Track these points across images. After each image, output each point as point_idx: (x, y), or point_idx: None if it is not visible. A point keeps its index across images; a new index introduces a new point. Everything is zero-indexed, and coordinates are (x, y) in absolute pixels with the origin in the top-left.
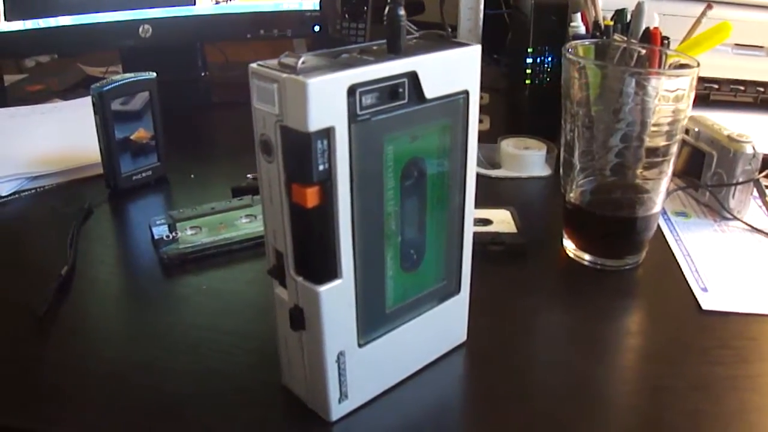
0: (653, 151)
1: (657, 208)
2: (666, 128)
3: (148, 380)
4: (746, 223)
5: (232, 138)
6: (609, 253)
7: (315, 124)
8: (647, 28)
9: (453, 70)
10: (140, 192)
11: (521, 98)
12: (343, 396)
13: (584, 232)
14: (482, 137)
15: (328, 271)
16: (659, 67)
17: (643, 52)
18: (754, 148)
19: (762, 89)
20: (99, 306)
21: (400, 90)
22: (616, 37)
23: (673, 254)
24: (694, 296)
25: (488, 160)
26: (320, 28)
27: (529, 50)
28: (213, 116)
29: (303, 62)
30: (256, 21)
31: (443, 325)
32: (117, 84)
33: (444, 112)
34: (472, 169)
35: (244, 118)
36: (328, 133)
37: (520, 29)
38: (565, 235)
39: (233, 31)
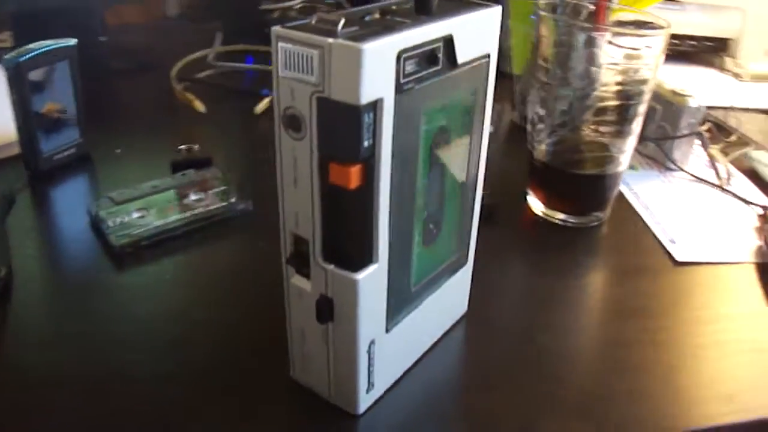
0: (605, 110)
1: (622, 167)
2: (616, 87)
3: (133, 389)
4: (690, 174)
5: (149, 108)
6: (576, 209)
7: (366, 95)
8: None
9: (479, 33)
10: (64, 173)
11: None
12: (370, 386)
13: (551, 190)
14: None
15: (366, 256)
16: (603, 21)
17: (592, 7)
18: (697, 103)
19: (677, 41)
20: (48, 312)
21: (438, 55)
22: None
23: (633, 207)
24: (666, 249)
25: None
26: None
27: None
28: (121, 85)
29: (343, 25)
30: None
31: (453, 298)
32: (35, 53)
33: (472, 77)
34: (486, 135)
35: (153, 85)
36: (375, 106)
37: None
38: (531, 193)
39: None
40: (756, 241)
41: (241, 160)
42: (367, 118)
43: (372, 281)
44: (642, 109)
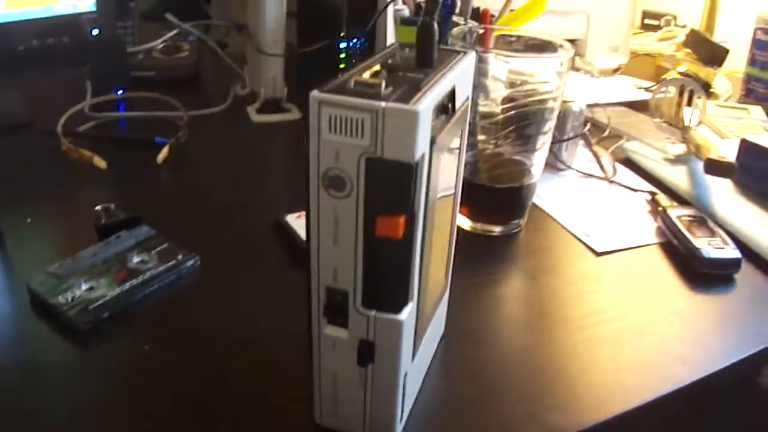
0: (511, 129)
1: (536, 178)
2: (515, 107)
3: None
4: (579, 171)
5: (43, 170)
6: (498, 220)
7: (419, 152)
8: (477, 8)
9: (467, 78)
10: None
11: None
12: (402, 414)
13: (474, 205)
14: (296, 127)
15: (406, 297)
16: (488, 44)
17: (481, 31)
18: (579, 107)
19: None
20: (15, 409)
21: (448, 105)
22: (455, 18)
23: (542, 209)
24: (584, 242)
25: None
26: (99, 32)
27: (342, 35)
28: (2, 144)
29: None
30: (27, 30)
31: (439, 320)
32: None
33: (462, 119)
34: (461, 171)
35: (35, 144)
36: (422, 161)
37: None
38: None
39: (2, 43)
40: (653, 223)
41: (167, 214)
42: (417, 173)
43: (409, 319)
44: (547, 126)
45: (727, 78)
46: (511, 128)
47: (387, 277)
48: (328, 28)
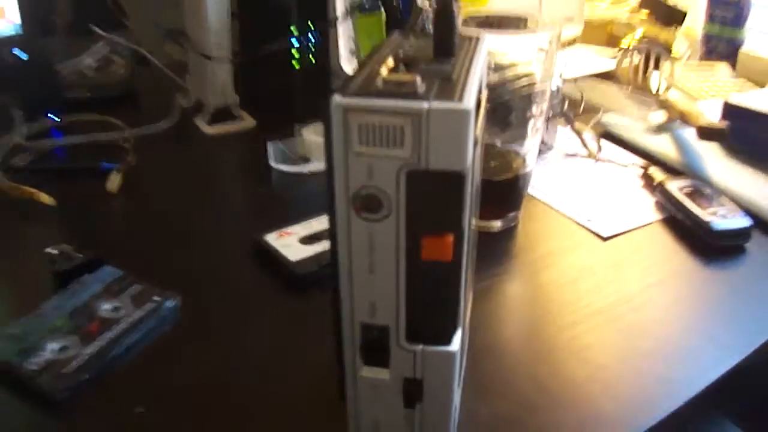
0: (496, 116)
1: (530, 167)
2: (497, 92)
3: None
4: (562, 151)
5: None
6: (496, 214)
7: (469, 158)
8: None
9: (483, 67)
10: None
11: (286, 83)
12: None
13: None
14: (252, 136)
15: (456, 325)
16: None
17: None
18: (557, 86)
19: None
20: None
21: (481, 99)
22: (418, 2)
23: (535, 197)
24: (588, 229)
25: (294, 154)
26: (26, 54)
27: (293, 30)
28: None
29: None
30: None
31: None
32: None
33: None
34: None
35: None
36: (472, 167)
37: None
38: None
39: None
40: (650, 198)
41: (131, 249)
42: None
43: (460, 347)
44: (539, 110)
45: (684, 37)
46: (500, 116)
47: (435, 305)
48: (275, 25)
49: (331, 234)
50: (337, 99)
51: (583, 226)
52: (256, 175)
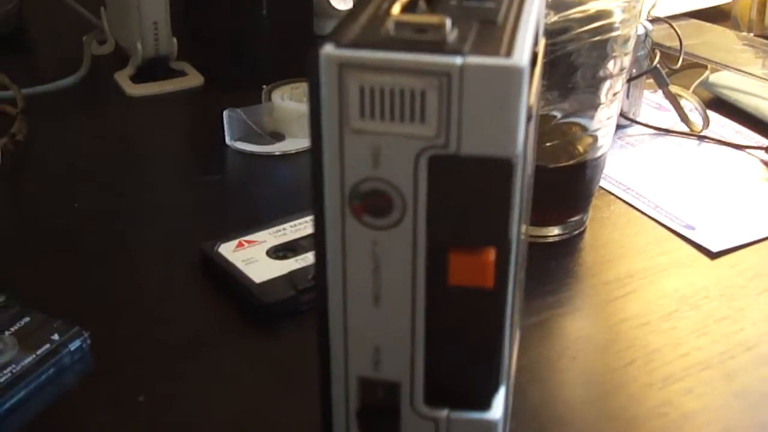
0: (557, 74)
1: (603, 149)
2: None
3: None
4: (651, 126)
5: None
6: (551, 218)
7: (521, 138)
8: None
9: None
10: None
11: (251, 25)
12: None
13: None
14: (199, 100)
15: (498, 381)
16: None
17: None
18: (644, 31)
19: None
20: None
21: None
22: None
23: (611, 194)
24: (688, 240)
25: (261, 127)
26: None
27: None
28: None
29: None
30: None
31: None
32: None
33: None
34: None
35: None
36: (523, 152)
37: None
38: None
39: None
40: None
41: (18, 263)
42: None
43: (503, 414)
44: (617, 67)
45: None
46: (561, 76)
47: (468, 352)
48: None
49: (317, 247)
50: (328, 51)
51: (682, 237)
52: (204, 156)
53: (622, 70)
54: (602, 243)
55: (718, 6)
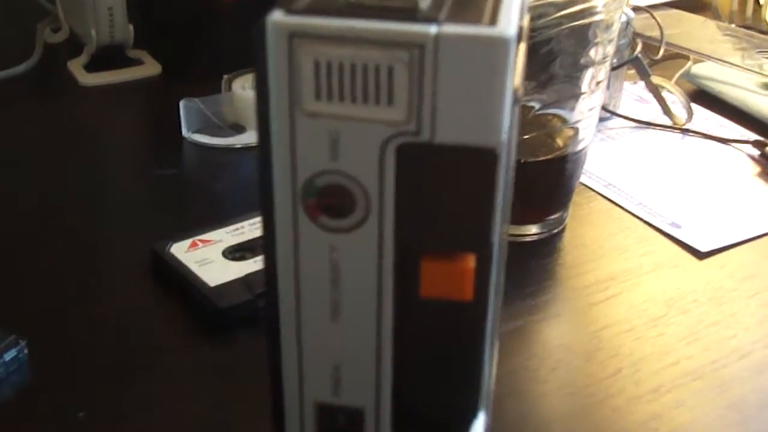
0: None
1: (584, 143)
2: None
3: None
4: (632, 119)
5: None
6: (530, 215)
7: (506, 123)
8: None
9: None
10: None
11: (209, 11)
12: None
13: None
14: (155, 90)
15: (476, 405)
16: None
17: None
18: (626, 16)
19: None
20: None
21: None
22: None
23: (589, 188)
24: (675, 238)
25: (220, 118)
26: None
27: None
28: None
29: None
30: None
31: None
32: None
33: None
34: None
35: None
36: (508, 140)
37: None
38: None
39: None
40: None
41: None
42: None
43: None
44: (600, 54)
45: None
46: (540, 64)
47: (442, 374)
48: None
49: (265, 253)
50: (276, 19)
51: (667, 235)
52: (159, 149)
53: (605, 57)
54: (583, 242)
55: None
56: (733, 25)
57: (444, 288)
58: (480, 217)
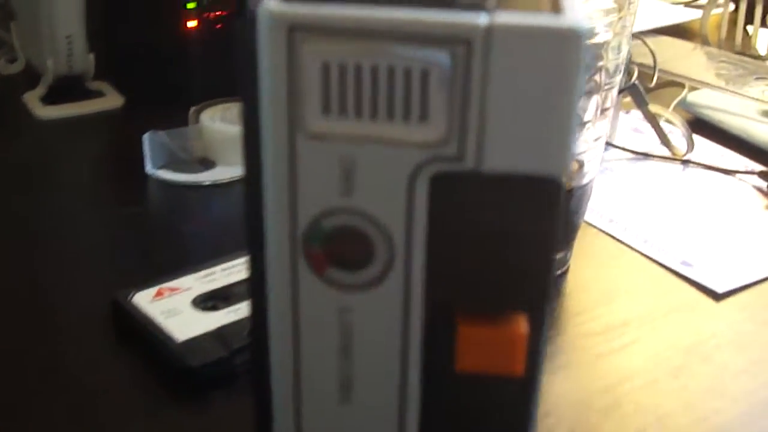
0: None
1: (589, 176)
2: None
3: None
4: (631, 150)
5: None
6: None
7: (572, 148)
8: None
9: None
10: None
11: (176, 39)
12: None
13: None
14: (117, 123)
15: None
16: None
17: None
18: (622, 43)
19: None
20: None
21: None
22: None
23: (591, 225)
24: (688, 279)
25: (187, 152)
26: None
27: None
28: None
29: None
30: None
31: None
32: None
33: None
34: None
35: None
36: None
37: None
38: None
39: None
40: None
41: None
42: None
43: None
44: (601, 78)
45: None
46: None
47: None
48: None
49: (254, 315)
50: (271, 8)
51: (679, 275)
52: (121, 187)
53: (611, 82)
54: (589, 285)
55: (680, 24)
56: (725, 52)
57: (487, 360)
58: (536, 267)
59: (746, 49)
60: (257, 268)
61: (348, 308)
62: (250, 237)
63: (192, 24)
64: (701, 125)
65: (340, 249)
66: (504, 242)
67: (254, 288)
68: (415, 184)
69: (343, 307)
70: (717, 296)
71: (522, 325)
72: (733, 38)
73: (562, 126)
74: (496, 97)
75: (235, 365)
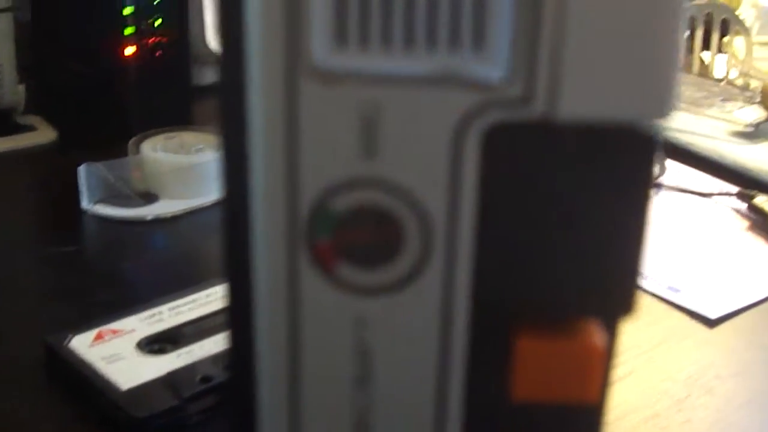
0: None
1: None
2: None
3: None
4: None
5: None
6: None
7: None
8: None
9: None
10: None
11: (113, 69)
12: None
13: None
14: (50, 158)
15: None
16: None
17: None
18: None
19: None
20: None
21: None
22: None
23: None
24: (679, 306)
25: (127, 186)
26: None
27: None
28: None
29: None
30: None
31: None
32: None
33: None
34: None
35: None
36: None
37: None
38: None
39: None
40: (763, 246)
41: None
42: None
43: None
44: None
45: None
46: None
47: None
48: None
49: (233, 334)
50: None
51: (668, 302)
52: (56, 224)
53: None
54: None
55: None
56: (688, 75)
57: (554, 384)
58: (623, 255)
59: (704, 75)
60: (240, 270)
61: (365, 320)
62: (230, 228)
63: (130, 51)
64: (670, 148)
65: (355, 237)
66: (583, 221)
67: (234, 300)
68: (463, 140)
69: (358, 317)
70: (710, 322)
71: (597, 336)
72: (691, 66)
73: (665, 57)
74: (578, 16)
75: (188, 415)
